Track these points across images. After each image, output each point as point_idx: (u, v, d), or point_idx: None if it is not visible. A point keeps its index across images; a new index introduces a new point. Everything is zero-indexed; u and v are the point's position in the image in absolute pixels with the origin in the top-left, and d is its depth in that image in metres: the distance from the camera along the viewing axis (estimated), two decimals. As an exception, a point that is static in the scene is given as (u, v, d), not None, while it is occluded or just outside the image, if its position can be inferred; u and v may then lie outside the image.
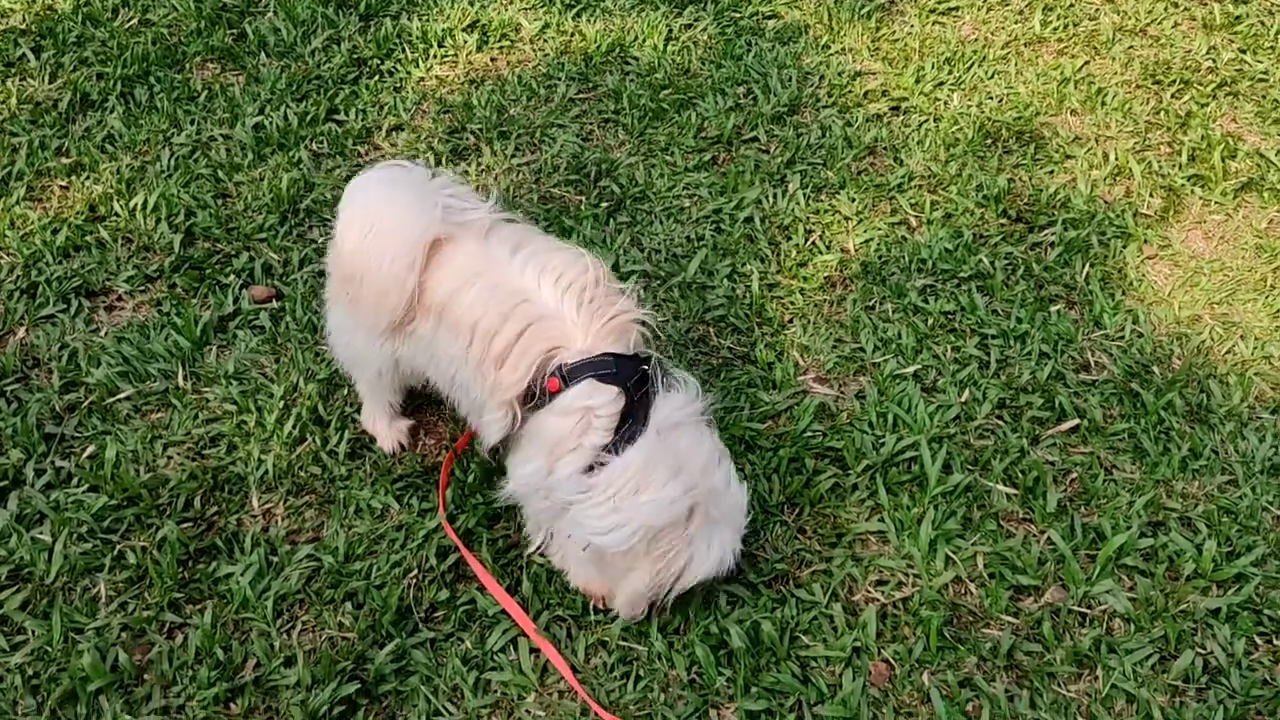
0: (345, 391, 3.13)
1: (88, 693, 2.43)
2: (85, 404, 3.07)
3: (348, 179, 3.76)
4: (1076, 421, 3.12)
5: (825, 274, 3.62)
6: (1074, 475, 2.99)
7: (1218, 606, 2.64)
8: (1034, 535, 2.84)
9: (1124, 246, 3.71)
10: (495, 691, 2.52)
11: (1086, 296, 3.54)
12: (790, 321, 3.46)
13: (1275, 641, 2.60)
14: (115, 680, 2.47)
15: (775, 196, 3.90)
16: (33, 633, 2.53)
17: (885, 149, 4.13)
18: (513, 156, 4.04)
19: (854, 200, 3.89)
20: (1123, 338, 3.40)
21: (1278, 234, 3.76)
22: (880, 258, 3.67)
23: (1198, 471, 2.98)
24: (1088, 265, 3.64)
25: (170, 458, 2.95)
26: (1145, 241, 3.73)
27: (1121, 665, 2.54)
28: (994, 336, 3.39)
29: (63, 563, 2.67)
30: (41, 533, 2.74)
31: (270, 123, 4.09)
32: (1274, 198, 3.88)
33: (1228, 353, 3.34)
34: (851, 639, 2.59)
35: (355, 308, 2.55)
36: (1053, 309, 3.49)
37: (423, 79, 4.42)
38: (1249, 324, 3.43)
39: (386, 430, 2.94)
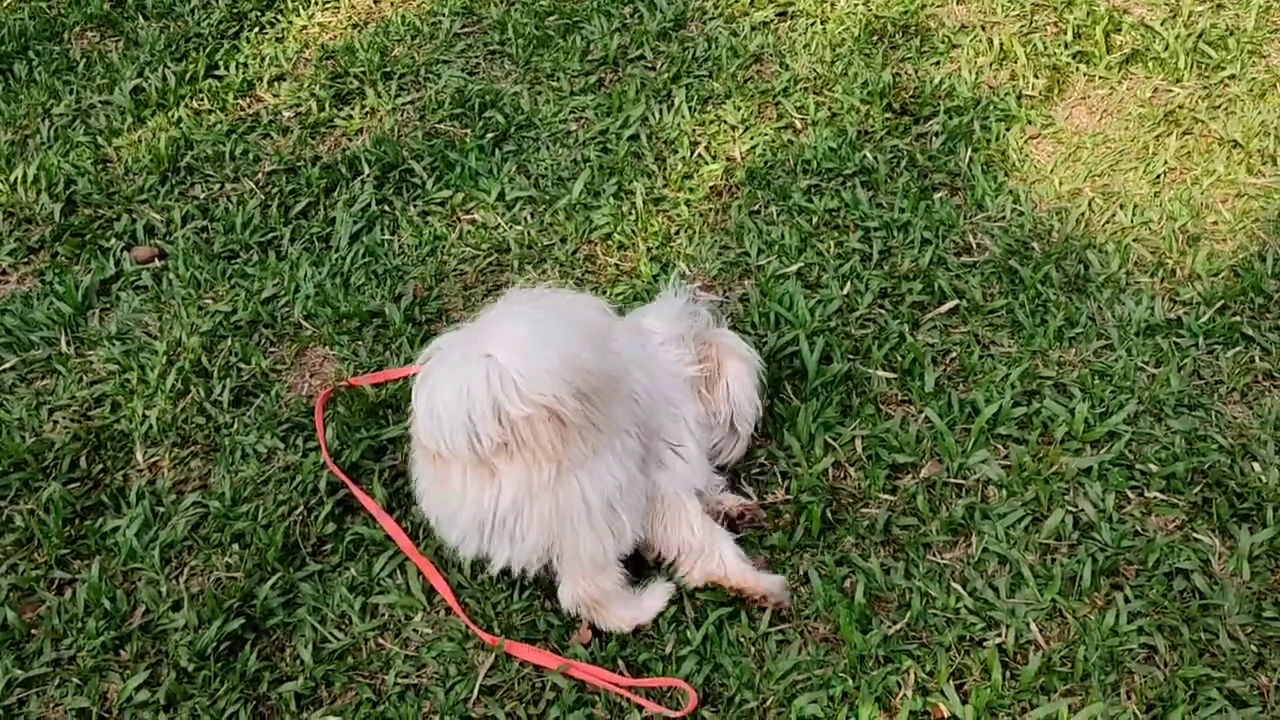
0: (229, 342, 3.13)
1: (-24, 652, 2.46)
2: (-32, 378, 3.07)
3: (229, 134, 3.75)
4: (956, 303, 3.14)
5: (711, 184, 3.62)
6: (953, 355, 3.01)
7: (1089, 465, 2.69)
8: (912, 415, 2.87)
9: (1007, 129, 3.71)
10: (383, 615, 2.55)
11: (969, 182, 3.54)
12: (676, 233, 3.47)
13: (1146, 494, 2.64)
14: (6, 638, 2.50)
15: (661, 112, 3.88)
16: (-81, 601, 2.55)
17: (771, 55, 4.11)
18: (397, 97, 4.01)
19: (739, 109, 3.87)
20: (1004, 218, 3.41)
21: (1161, 102, 3.76)
22: (765, 163, 3.67)
23: (1073, 339, 3.01)
24: (970, 151, 3.64)
25: (55, 422, 2.96)
26: (1028, 122, 3.74)
27: (994, 529, 2.58)
28: (877, 229, 3.40)
29: (-51, 532, 2.68)
30: (-73, 505, 2.75)
31: (149, 84, 4.06)
32: (1158, 67, 3.88)
33: (1107, 222, 3.36)
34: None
35: None
36: (935, 197, 3.50)
37: (305, 27, 4.37)
38: (1129, 192, 3.44)
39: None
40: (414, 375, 2.33)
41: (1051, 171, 3.56)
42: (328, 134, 3.87)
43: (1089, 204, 3.42)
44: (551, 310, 2.20)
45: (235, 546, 2.66)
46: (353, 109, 3.97)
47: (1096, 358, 2.96)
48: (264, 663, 2.47)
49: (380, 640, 2.51)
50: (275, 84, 4.09)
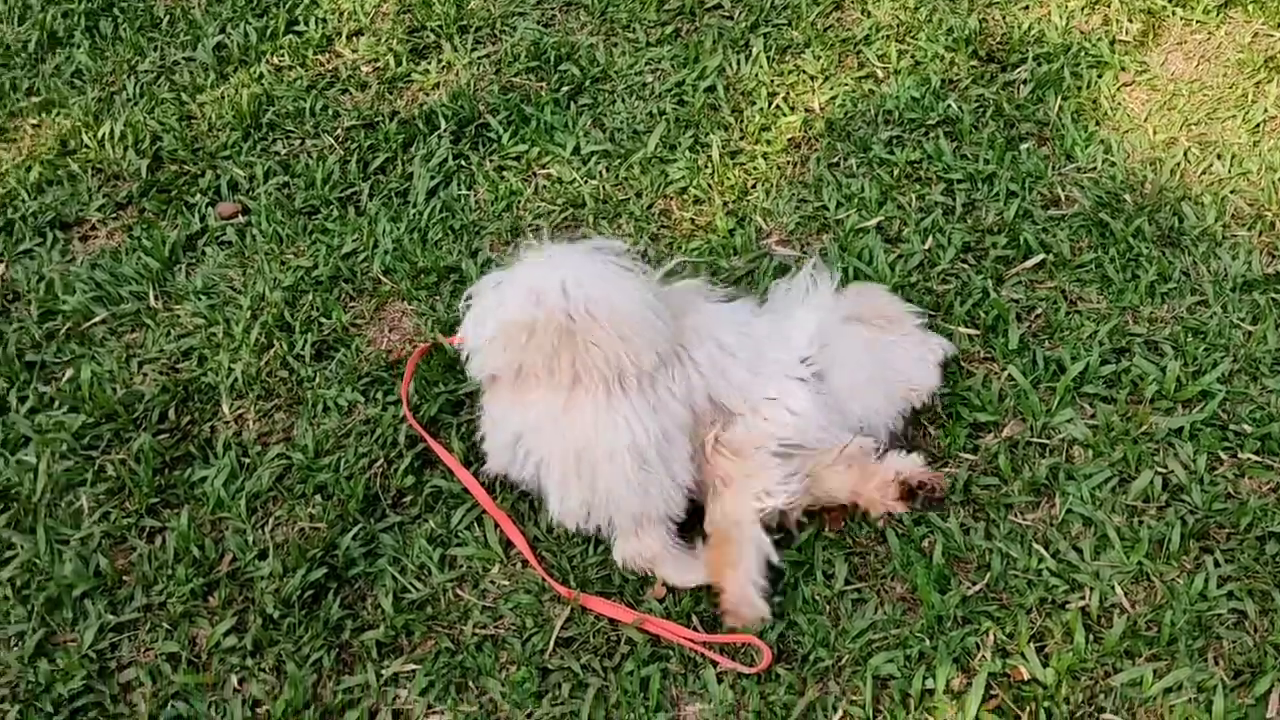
0: (311, 296, 3.18)
1: (73, 598, 2.56)
2: (63, 331, 3.16)
3: (308, 89, 3.79)
4: (1042, 257, 3.05)
5: (789, 136, 3.56)
6: (1038, 311, 2.94)
7: (1180, 425, 2.61)
8: (994, 373, 2.81)
9: (1099, 76, 3.58)
10: (461, 566, 2.59)
11: (1058, 131, 3.43)
12: (753, 187, 3.42)
13: (1239, 456, 2.56)
14: (99, 584, 2.58)
15: (739, 63, 3.81)
16: (20, 547, 2.65)
17: (852, 2, 4.01)
18: (473, 50, 4.00)
19: (819, 58, 3.79)
20: (1094, 169, 3.30)
21: (1261, 48, 3.59)
22: (845, 114, 3.60)
23: (1166, 295, 2.91)
24: (1060, 99, 3.52)
25: (145, 374, 3.04)
26: (1122, 69, 3.60)
27: (1079, 490, 2.52)
28: (960, 181, 3.32)
29: (47, 480, 2.78)
30: (26, 454, 2.85)
31: (231, 41, 4.09)
32: (1258, 10, 3.70)
33: (1203, 173, 3.23)
34: (808, 489, 2.60)
35: None
36: (1023, 147, 3.39)
37: (382, -18, 4.37)
38: (1227, 142, 3.30)
39: None
40: None
41: (1145, 120, 3.43)
42: (405, 89, 3.88)
43: (1184, 154, 3.29)
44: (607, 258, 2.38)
45: (318, 498, 2.71)
46: (429, 63, 3.96)
47: (1190, 314, 2.86)
48: (346, 611, 2.52)
49: (458, 591, 2.54)
50: (353, 39, 4.10)
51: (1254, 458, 2.55)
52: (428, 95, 3.83)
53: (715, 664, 2.35)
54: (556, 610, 2.48)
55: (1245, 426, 2.60)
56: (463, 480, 2.69)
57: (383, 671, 2.41)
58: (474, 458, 2.77)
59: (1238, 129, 3.33)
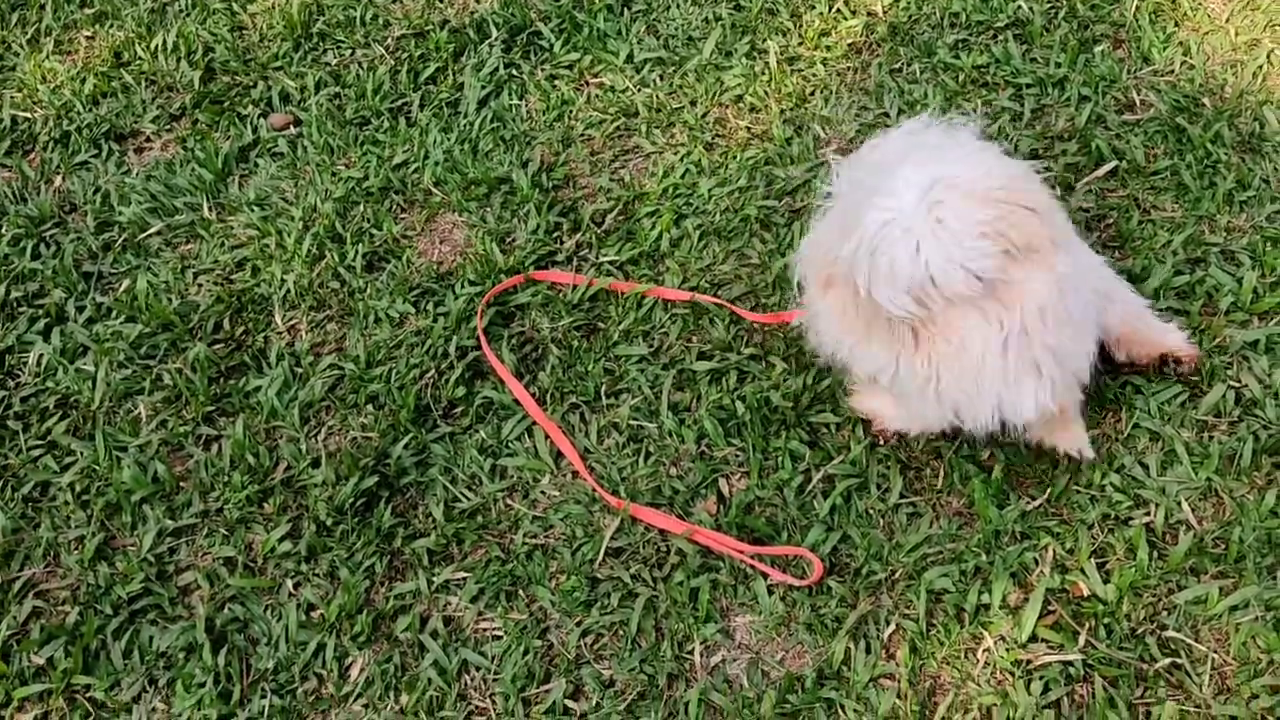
0: (362, 208, 3.16)
1: (132, 503, 2.60)
2: (119, 242, 3.19)
3: (357, -2, 3.72)
4: (1115, 164, 2.92)
5: (849, 41, 3.43)
6: (1110, 220, 2.82)
7: (1256, 338, 2.49)
8: (1060, 285, 2.70)
9: (1180, -27, 3.38)
10: (511, 477, 2.58)
11: (1135, 33, 3.26)
12: (811, 94, 3.31)
13: (1318, 370, 2.44)
14: (157, 490, 2.63)
15: (798, -35, 3.67)
16: (80, 454, 2.70)
17: (919, -100, 3.82)
18: (525, -44, 3.89)
19: (883, -41, 3.63)
20: (1172, 72, 3.14)
21: (1360, -61, 3.35)
22: (909, 17, 3.45)
23: (1244, 203, 2.77)
24: (1138, -1, 3.34)
25: (200, 285, 3.06)
26: (1205, -35, 3.39)
27: (1147, 405, 2.44)
28: (1029, 86, 3.18)
29: (105, 389, 2.82)
30: (85, 363, 2.89)
31: (280, -50, 4.03)
32: (1359, -101, 3.45)
33: (1290, 75, 3.06)
34: (863, 402, 2.54)
35: None
36: (1096, 50, 3.23)
37: (432, -112, 4.26)
38: (1317, 41, 3.11)
39: None
40: (588, 283, 2.74)
41: (1227, 21, 3.24)
42: (457, -3, 3.80)
43: (1267, 56, 3.10)
44: None
45: (370, 407, 2.72)
46: (480, -29, 3.87)
47: (1269, 223, 2.72)
48: (398, 519, 2.54)
49: (509, 501, 2.54)
50: (403, -54, 4.01)
51: (1334, 372, 2.43)
52: (479, 3, 3.75)
53: (766, 576, 2.33)
54: (606, 521, 2.47)
55: (1327, 339, 2.48)
56: (514, 391, 2.67)
57: (434, 578, 2.43)
58: (524, 370, 2.75)
59: (1329, 28, 3.14)
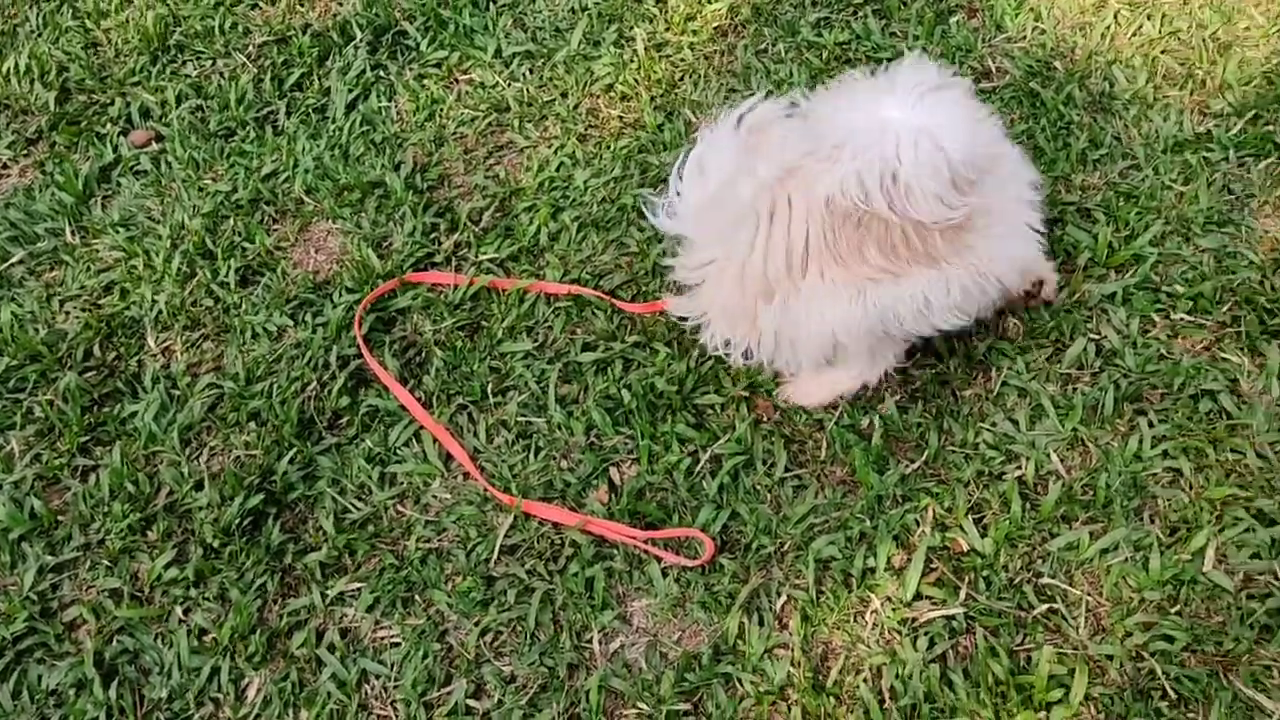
0: (232, 221, 3.10)
1: (9, 541, 2.52)
2: (-21, 274, 3.07)
3: (216, 6, 3.64)
4: (973, 131, 2.99)
5: (715, 24, 3.46)
6: (971, 186, 2.89)
7: (1113, 291, 2.59)
8: (928, 252, 2.77)
9: (1027, -59, 3.48)
10: (401, 483, 2.57)
11: (988, 2, 3.35)
12: (681, 79, 3.34)
13: (1172, 317, 2.55)
14: (35, 527, 2.55)
15: (660, -48, 3.69)
16: (-50, 494, 2.61)
17: (774, -119, 3.86)
18: (385, -44, 3.84)
19: (743, -59, 3.67)
20: (1024, 38, 3.23)
21: (1192, -100, 3.49)
22: (772, -3, 3.50)
23: (1098, 161, 2.88)
24: (989, -32, 3.43)
25: (67, 312, 2.97)
26: (1050, -68, 3.50)
27: (1014, 364, 2.52)
28: (891, 59, 3.23)
29: (-27, 427, 2.72)
30: (-50, 402, 2.78)
31: (132, -38, 3.92)
32: None
33: (1134, 35, 3.17)
34: (744, 384, 2.58)
35: None
36: (952, 21, 3.32)
37: (287, -110, 4.17)
38: (1156, 2, 3.24)
39: None
40: (469, 283, 2.74)
41: (1075, -16, 3.35)
42: (317, 0, 3.74)
43: (1114, 16, 3.22)
44: None
45: (252, 425, 2.67)
46: (340, -27, 3.81)
47: (1122, 179, 2.83)
48: (287, 535, 2.50)
49: (400, 508, 2.53)
50: (260, -48, 3.93)
51: (1186, 318, 2.55)
52: (341, 5, 3.70)
53: (659, 560, 2.35)
54: (500, 519, 2.47)
55: (1177, 287, 2.59)
56: (399, 397, 2.65)
57: (328, 591, 2.41)
58: (408, 374, 2.73)
59: (1168, -13, 3.27)
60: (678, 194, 2.63)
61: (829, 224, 2.12)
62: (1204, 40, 3.10)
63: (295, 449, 2.61)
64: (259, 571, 2.44)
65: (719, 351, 2.52)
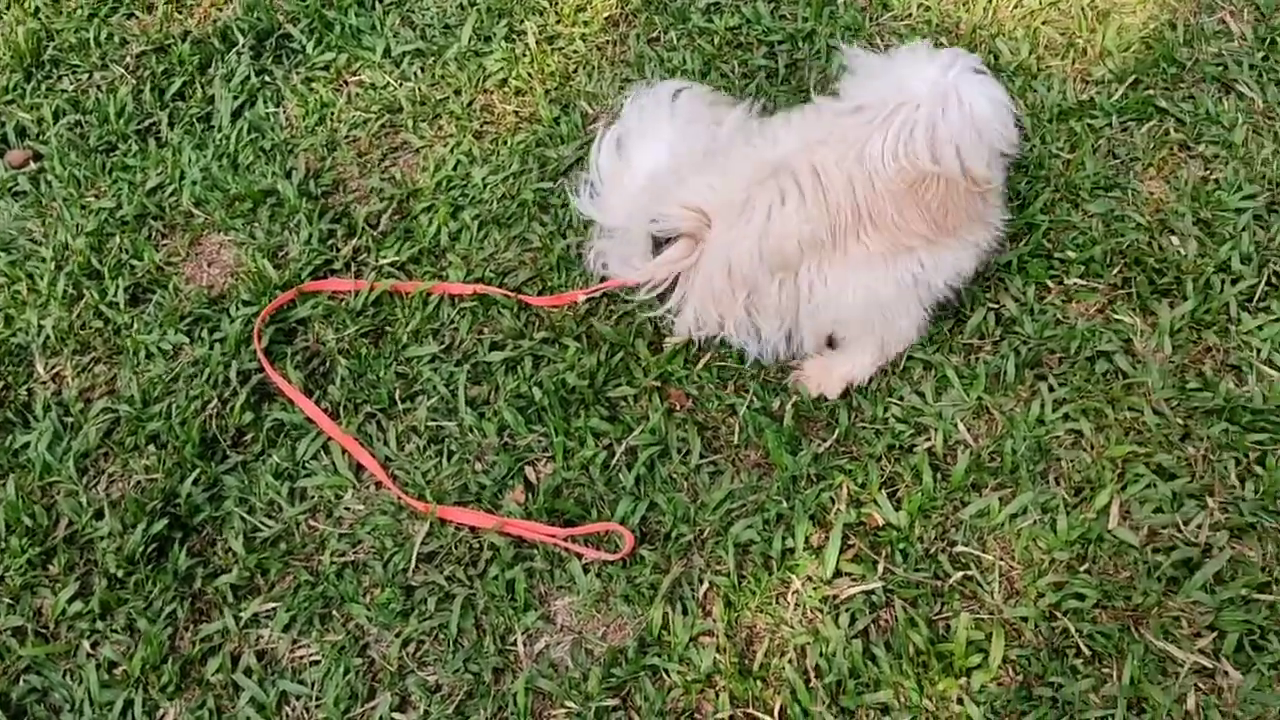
0: (118, 239, 2.99)
1: (-102, 587, 2.41)
2: None
3: (90, 18, 3.51)
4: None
5: (606, 14, 3.44)
6: (866, 164, 2.92)
7: (1008, 260, 2.64)
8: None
9: (908, -81, 3.52)
10: (312, 497, 2.51)
11: (873, -20, 3.38)
12: (574, 71, 3.31)
13: (1065, 282, 2.61)
14: (-74, 570, 2.44)
15: (547, -57, 3.65)
16: None
17: None
18: (264, -42, 3.74)
19: (629, -71, 3.65)
20: (910, 15, 3.28)
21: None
22: (661, -15, 3.48)
23: (987, 134, 2.92)
24: (872, -53, 3.46)
25: (-52, 344, 2.84)
26: (930, -90, 3.54)
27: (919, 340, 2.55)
28: (781, 43, 3.26)
29: None
30: None
31: (-4, -25, 3.76)
32: None
33: (1015, 7, 3.24)
34: (656, 374, 2.58)
35: None
36: (839, 1, 3.34)
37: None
38: (1036, -27, 3.30)
39: None
40: (369, 288, 2.70)
41: (956, -40, 3.40)
42: (195, 6, 3.63)
43: (996, -10, 3.28)
44: None
45: (151, 448, 2.59)
46: (218, -22, 3.71)
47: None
48: (195, 559, 2.43)
49: (312, 522, 2.47)
50: (133, -41, 3.80)
51: (1079, 282, 2.61)
52: (220, 10, 3.59)
53: (580, 556, 2.34)
54: (415, 527, 2.43)
55: (1069, 253, 2.65)
56: (305, 409, 2.59)
57: (241, 614, 2.35)
58: (313, 385, 2.67)
59: (1045, -41, 3.33)
60: (599, 178, 2.63)
61: (877, 187, 2.14)
62: (1083, 9, 3.17)
63: (199, 470, 2.53)
64: (168, 599, 2.37)
65: (691, 334, 2.50)
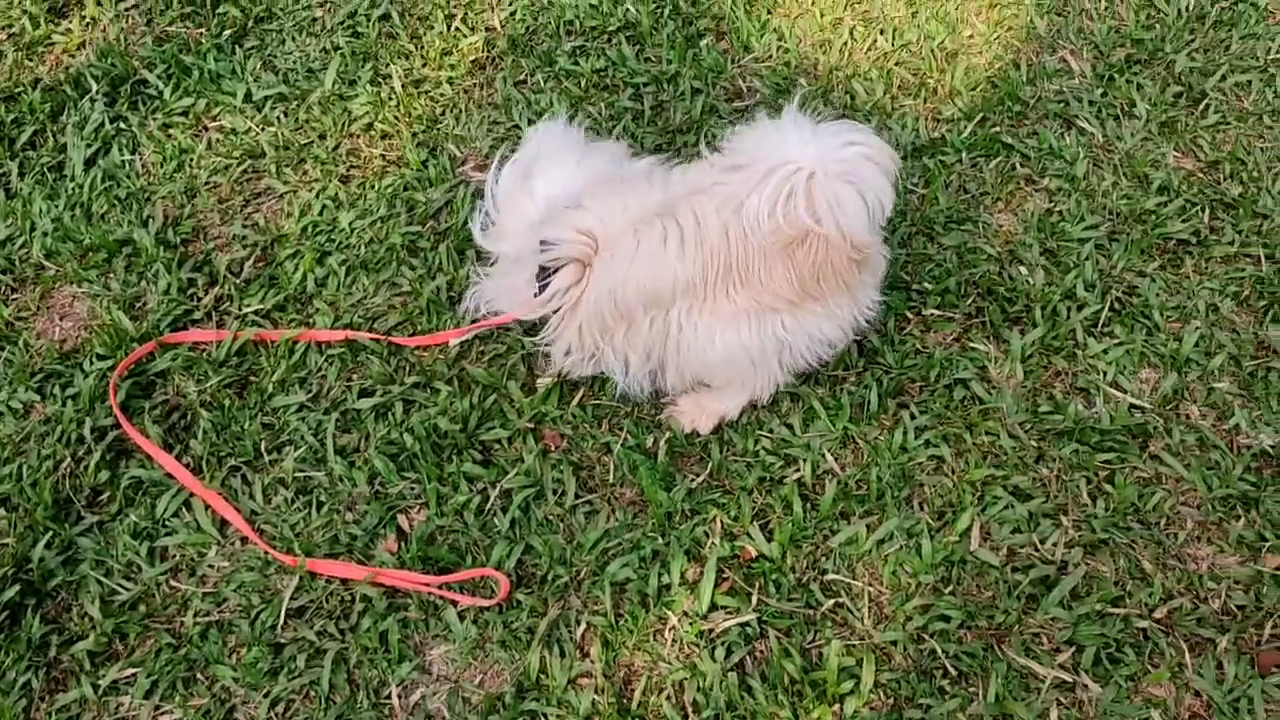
0: (-38, 294, 2.86)
1: None
2: None
3: (-72, 65, 3.36)
4: (730, 149, 3.09)
5: (472, 58, 3.45)
6: (732, 202, 2.98)
7: (869, 294, 2.71)
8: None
9: (766, -35, 3.63)
10: (173, 556, 2.42)
11: (734, 24, 3.47)
12: (442, 114, 3.30)
13: (924, 312, 2.70)
14: None
15: (411, -13, 3.65)
16: None
17: (521, -86, 3.90)
18: (119, 2, 3.65)
19: (494, -26, 3.68)
20: (770, 57, 3.37)
21: (911, -79, 3.73)
22: (527, 29, 3.52)
23: (846, 170, 3.01)
24: (732, -9, 3.56)
25: None
26: (786, -44, 3.66)
27: (784, 371, 2.60)
28: (646, 84, 3.32)
29: None
30: None
31: None
32: (906, -114, 3.84)
33: (869, 49, 3.36)
34: (529, 415, 2.57)
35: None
36: (702, 44, 3.42)
37: (5, -63, 3.91)
38: (888, 16, 3.44)
39: None
40: (232, 338, 2.64)
41: (813, 4, 3.52)
42: (46, 53, 3.52)
43: (850, 33, 3.40)
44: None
45: (1, 511, 2.47)
46: (71, 22, 3.60)
47: (869, 186, 2.97)
48: (50, 626, 2.32)
49: (173, 582, 2.39)
50: (-23, 3, 3.67)
51: (936, 312, 2.70)
52: (73, 57, 3.49)
53: (455, 603, 2.31)
54: (284, 581, 2.37)
55: (926, 284, 2.74)
56: (164, 465, 2.51)
57: (100, 681, 2.25)
58: (173, 439, 2.59)
59: (896, 3, 3.47)
60: (495, 205, 2.62)
61: (751, 242, 2.15)
62: (932, 51, 3.31)
63: (52, 532, 2.42)
64: (21, 669, 2.25)
65: (564, 365, 2.49)
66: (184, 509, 2.48)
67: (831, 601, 2.27)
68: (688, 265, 2.20)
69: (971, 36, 3.37)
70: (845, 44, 3.37)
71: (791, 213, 2.07)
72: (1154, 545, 2.33)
